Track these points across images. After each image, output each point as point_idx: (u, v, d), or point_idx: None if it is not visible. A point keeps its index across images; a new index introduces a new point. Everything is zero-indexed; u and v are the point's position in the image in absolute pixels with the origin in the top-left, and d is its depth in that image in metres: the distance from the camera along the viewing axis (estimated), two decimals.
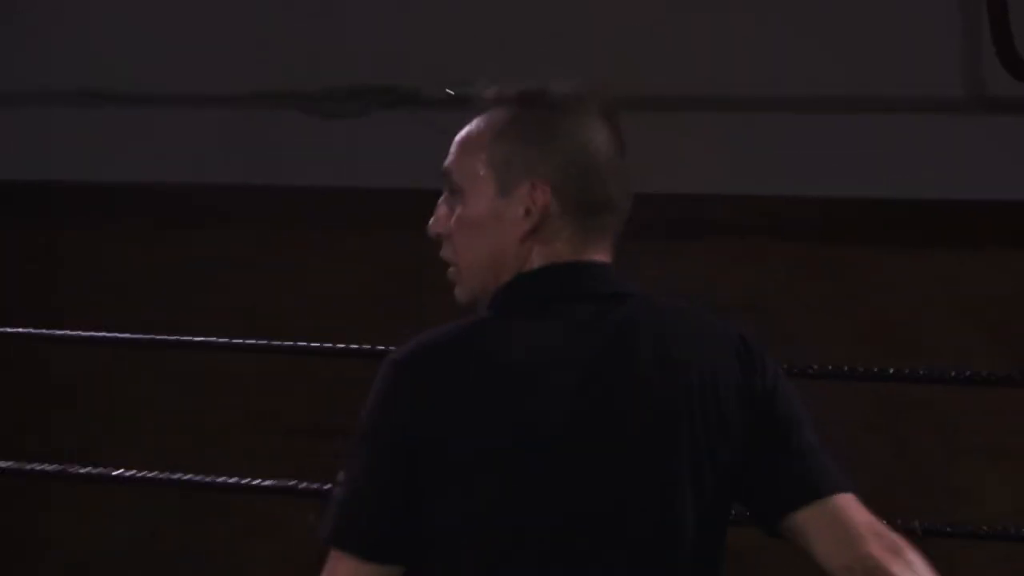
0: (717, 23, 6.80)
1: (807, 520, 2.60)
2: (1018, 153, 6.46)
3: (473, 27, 6.96)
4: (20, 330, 6.06)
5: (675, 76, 6.77)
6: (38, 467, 5.90)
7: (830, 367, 5.16)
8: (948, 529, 4.78)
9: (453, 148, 2.67)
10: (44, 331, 6.03)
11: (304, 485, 5.27)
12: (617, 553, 2.59)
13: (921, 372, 5.17)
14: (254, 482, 5.40)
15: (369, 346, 5.05)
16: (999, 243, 6.56)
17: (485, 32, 6.97)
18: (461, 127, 2.75)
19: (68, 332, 6.27)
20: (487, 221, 2.64)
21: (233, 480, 5.49)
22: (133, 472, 5.57)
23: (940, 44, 6.56)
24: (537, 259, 2.63)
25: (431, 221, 2.68)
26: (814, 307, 6.78)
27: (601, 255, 2.67)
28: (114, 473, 5.54)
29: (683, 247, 6.91)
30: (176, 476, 5.64)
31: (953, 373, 5.05)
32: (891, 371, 5.02)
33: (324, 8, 7.21)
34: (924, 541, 2.63)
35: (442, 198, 2.67)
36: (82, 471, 5.79)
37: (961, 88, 6.58)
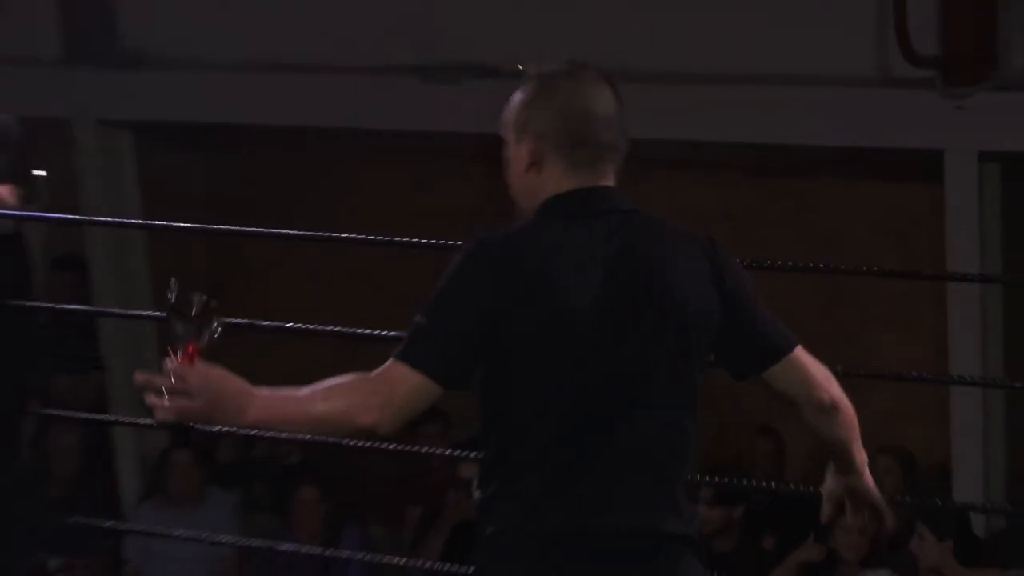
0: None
1: (775, 373, 3.34)
2: (912, 116, 8.00)
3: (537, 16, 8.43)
4: None
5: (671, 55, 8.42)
6: None
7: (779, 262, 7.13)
8: (861, 372, 6.62)
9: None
10: None
11: None
12: (639, 408, 3.22)
13: (843, 267, 7.17)
14: None
15: None
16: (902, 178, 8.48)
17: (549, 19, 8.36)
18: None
19: None
20: (512, 163, 3.36)
21: None
22: None
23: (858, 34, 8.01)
24: (553, 187, 3.28)
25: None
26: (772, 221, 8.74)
27: (605, 181, 3.29)
28: None
29: (684, 176, 8.98)
30: None
31: (866, 267, 6.92)
32: (821, 265, 6.80)
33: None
34: (842, 379, 3.47)
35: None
36: None
37: (871, 69, 8.03)
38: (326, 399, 3.12)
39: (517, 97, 3.31)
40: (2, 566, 7.17)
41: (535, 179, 3.26)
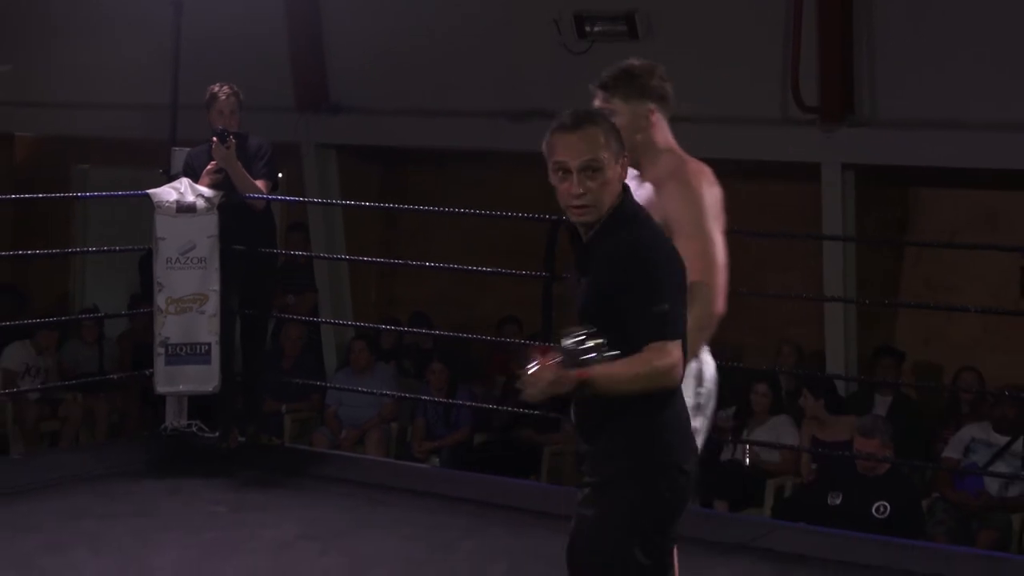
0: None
1: None
2: (801, 141, 8.88)
3: None
4: None
5: None
6: None
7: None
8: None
9: None
10: None
11: None
12: None
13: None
14: None
15: None
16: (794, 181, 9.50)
17: None
18: None
19: None
20: (608, 181, 3.31)
21: None
22: None
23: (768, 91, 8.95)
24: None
25: None
26: None
27: None
28: None
29: None
30: None
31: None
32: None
33: None
34: None
35: None
36: None
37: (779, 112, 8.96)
38: (645, 376, 3.16)
39: (606, 133, 3.31)
40: (254, 408, 7.53)
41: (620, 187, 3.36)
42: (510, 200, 9.23)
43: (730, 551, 5.94)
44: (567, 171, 3.27)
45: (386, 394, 9.30)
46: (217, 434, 7.29)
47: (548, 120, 8.80)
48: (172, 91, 7.68)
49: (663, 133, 4.03)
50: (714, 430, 8.03)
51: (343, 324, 10.33)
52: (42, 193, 11.37)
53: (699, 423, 3.90)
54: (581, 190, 3.26)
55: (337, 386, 9.46)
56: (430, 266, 9.00)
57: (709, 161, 8.94)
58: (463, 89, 9.90)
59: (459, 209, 8.85)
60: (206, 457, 7.07)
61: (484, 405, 9.26)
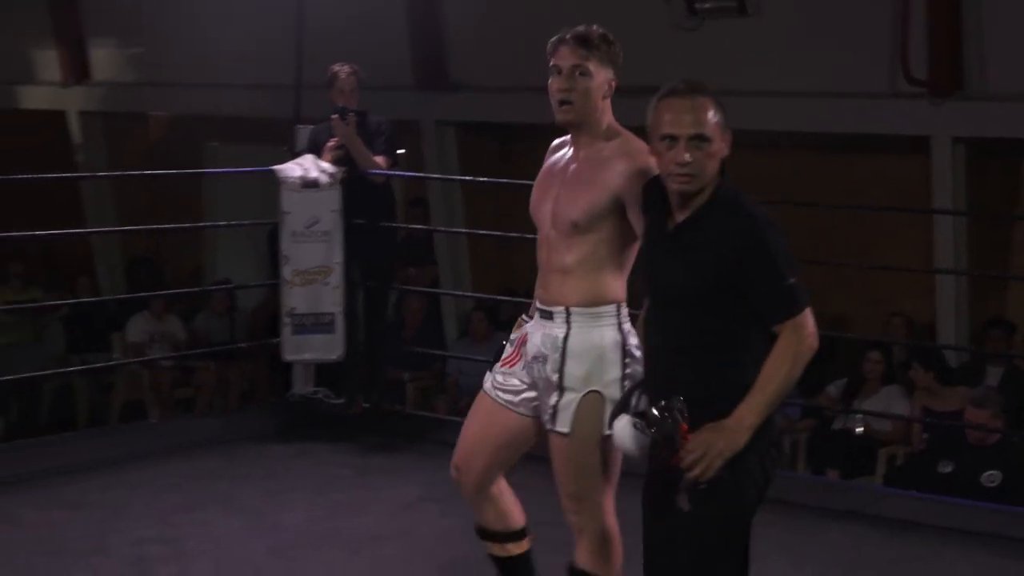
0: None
1: None
2: (911, 115, 8.79)
3: None
4: None
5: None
6: None
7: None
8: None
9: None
10: None
11: None
12: None
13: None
14: None
15: None
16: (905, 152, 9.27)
17: None
18: None
19: None
20: (713, 157, 3.24)
21: None
22: None
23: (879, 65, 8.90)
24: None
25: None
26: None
27: None
28: None
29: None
30: None
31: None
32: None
33: None
34: None
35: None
36: None
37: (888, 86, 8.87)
38: (789, 365, 3.14)
39: (715, 105, 3.25)
40: (376, 376, 7.46)
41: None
42: None
43: (842, 517, 5.95)
44: (674, 139, 3.21)
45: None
46: (342, 401, 7.36)
47: None
48: (296, 71, 7.80)
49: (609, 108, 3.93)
50: (826, 400, 8.42)
51: (462, 296, 10.42)
52: (175, 169, 11.58)
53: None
54: (688, 158, 3.20)
55: (457, 355, 9.50)
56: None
57: (819, 136, 9.33)
58: None
59: None
60: (332, 423, 7.17)
61: None
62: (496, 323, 9.95)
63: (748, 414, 3.14)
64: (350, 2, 9.85)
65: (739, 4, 9.26)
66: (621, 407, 3.45)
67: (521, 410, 3.89)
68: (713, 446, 3.11)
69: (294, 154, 7.39)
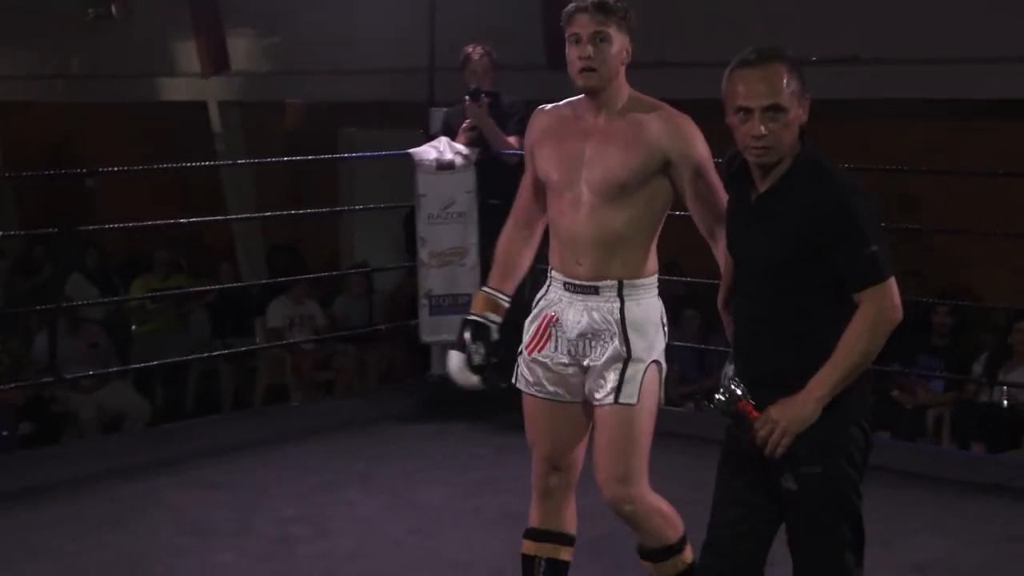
0: None
1: None
2: None
3: None
4: None
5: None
6: None
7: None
8: None
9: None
10: None
11: None
12: None
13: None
14: None
15: None
16: None
17: None
18: None
19: None
20: (792, 123, 3.17)
21: None
22: None
23: None
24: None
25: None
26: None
27: None
28: None
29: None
30: None
31: None
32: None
33: None
34: None
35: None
36: None
37: None
38: (868, 337, 3.09)
39: (790, 71, 3.15)
40: (514, 356, 7.94)
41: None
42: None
43: (986, 490, 5.85)
44: (749, 111, 3.15)
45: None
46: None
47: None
48: (429, 54, 7.82)
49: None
50: (970, 374, 8.25)
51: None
52: (312, 155, 11.72)
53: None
54: (764, 130, 3.13)
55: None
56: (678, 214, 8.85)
57: (966, 102, 9.21)
58: (713, 39, 9.01)
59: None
60: (470, 403, 7.04)
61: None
62: None
63: (818, 386, 3.10)
64: None
65: None
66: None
67: (573, 397, 3.81)
68: (780, 422, 3.10)
69: (428, 137, 7.41)
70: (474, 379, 3.89)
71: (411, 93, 9.06)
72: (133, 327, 11.28)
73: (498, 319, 3.92)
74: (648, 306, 3.75)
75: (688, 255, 10.26)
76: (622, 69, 3.74)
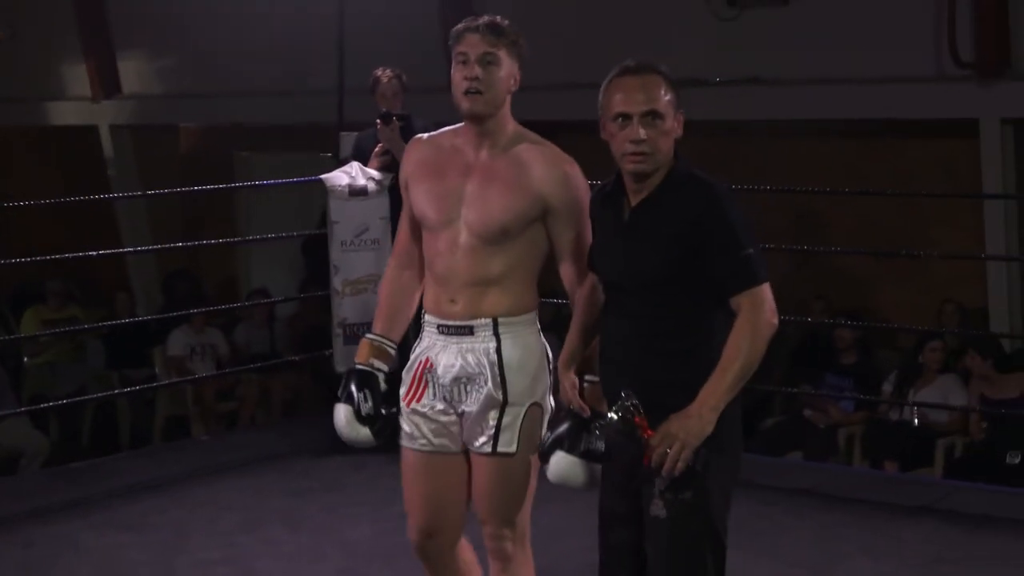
0: None
1: None
2: (960, 97, 8.73)
3: None
4: None
5: None
6: None
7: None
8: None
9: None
10: None
11: None
12: None
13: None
14: None
15: None
16: (953, 136, 9.20)
17: None
18: None
19: None
20: (673, 131, 3.20)
21: None
22: None
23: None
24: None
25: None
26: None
27: None
28: None
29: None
30: None
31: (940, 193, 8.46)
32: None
33: None
34: None
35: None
36: None
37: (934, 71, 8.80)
38: (749, 342, 3.06)
39: (667, 84, 3.19)
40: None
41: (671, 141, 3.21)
42: None
43: (914, 512, 5.86)
44: (628, 117, 3.16)
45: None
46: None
47: (699, 89, 8.67)
48: (339, 76, 7.67)
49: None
50: (880, 393, 8.26)
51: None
52: (207, 180, 11.38)
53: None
54: (643, 134, 3.14)
55: None
56: None
57: (865, 122, 9.21)
58: (613, 60, 9.64)
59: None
60: (388, 434, 7.03)
61: None
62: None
63: (710, 397, 3.05)
64: (387, 6, 9.75)
65: None
66: (556, 443, 3.31)
67: (455, 447, 3.63)
68: (677, 437, 3.03)
69: (340, 161, 7.26)
70: (364, 432, 3.63)
71: (312, 116, 9.01)
72: (25, 359, 10.93)
73: (385, 367, 3.71)
74: (528, 344, 3.57)
75: None
76: (508, 98, 3.58)
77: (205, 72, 11.93)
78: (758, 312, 3.09)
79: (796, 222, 9.53)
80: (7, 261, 8.60)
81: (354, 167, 7.05)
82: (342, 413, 3.64)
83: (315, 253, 7.59)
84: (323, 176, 7.06)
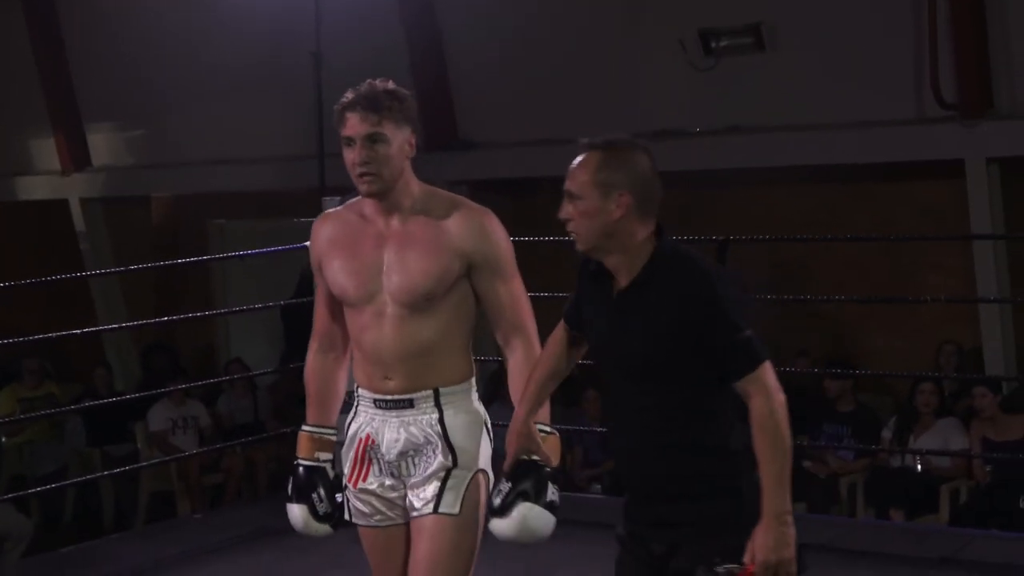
0: None
1: None
2: (944, 138, 8.59)
3: None
4: None
5: None
6: None
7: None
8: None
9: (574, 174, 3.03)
10: None
11: None
12: None
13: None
14: None
15: None
16: (939, 177, 9.09)
17: None
18: None
19: None
20: (598, 214, 3.00)
21: None
22: None
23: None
24: (640, 232, 3.00)
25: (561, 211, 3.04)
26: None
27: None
28: None
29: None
30: None
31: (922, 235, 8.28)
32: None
33: None
34: None
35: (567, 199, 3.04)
36: None
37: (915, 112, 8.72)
38: (773, 433, 2.91)
39: (594, 161, 3.03)
40: None
41: (617, 226, 3.01)
42: None
43: (936, 564, 5.67)
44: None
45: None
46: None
47: (679, 139, 8.70)
48: (318, 141, 7.54)
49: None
50: (878, 441, 8.08)
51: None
52: (181, 250, 11.26)
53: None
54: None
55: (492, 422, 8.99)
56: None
57: (848, 167, 9.07)
58: (590, 115, 9.54)
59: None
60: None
61: None
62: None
63: (774, 505, 2.90)
64: (358, 66, 9.51)
65: (756, 40, 9.07)
66: (522, 495, 3.27)
67: (404, 519, 3.50)
68: (771, 559, 2.88)
69: None
70: (324, 528, 3.54)
71: (289, 181, 8.90)
72: (3, 439, 10.58)
73: (329, 456, 3.56)
74: (469, 412, 3.43)
75: None
76: (407, 164, 3.42)
77: (175, 141, 11.75)
78: (770, 397, 2.94)
79: (780, 269, 9.40)
80: None
81: None
82: (298, 514, 3.54)
83: (295, 319, 7.45)
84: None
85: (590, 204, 3.00)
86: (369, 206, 3.45)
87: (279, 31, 9.93)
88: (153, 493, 10.05)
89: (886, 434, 8.29)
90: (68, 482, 9.22)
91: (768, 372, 2.97)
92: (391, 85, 3.41)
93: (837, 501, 8.20)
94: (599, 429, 8.50)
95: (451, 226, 3.38)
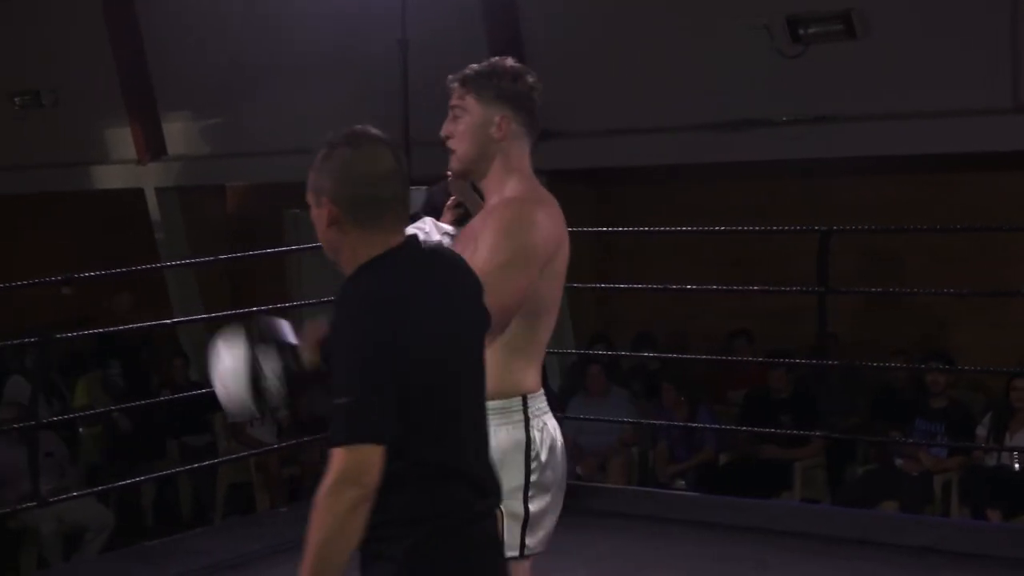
0: None
1: None
2: None
3: None
4: None
5: None
6: None
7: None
8: None
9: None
10: None
11: None
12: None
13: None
14: None
15: None
16: None
17: None
18: None
19: None
20: (317, 224, 2.69)
21: None
22: None
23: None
24: (365, 249, 2.61)
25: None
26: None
27: (395, 235, 2.60)
28: None
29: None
30: None
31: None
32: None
33: None
34: None
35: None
36: None
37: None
38: (319, 525, 2.48)
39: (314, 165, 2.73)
40: None
41: (334, 237, 2.68)
42: (730, 212, 9.01)
43: None
44: None
45: (623, 420, 8.87)
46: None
47: (764, 128, 8.65)
48: (403, 130, 7.37)
49: (519, 151, 3.25)
50: (972, 438, 7.88)
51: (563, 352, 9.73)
52: (256, 240, 11.17)
53: (544, 503, 3.10)
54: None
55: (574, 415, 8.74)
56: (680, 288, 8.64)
57: (942, 157, 8.77)
58: (673, 103, 9.42)
59: (719, 228, 7.96)
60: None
61: (725, 426, 8.69)
62: (614, 375, 9.40)
63: None
64: (448, 58, 9.43)
65: (846, 27, 8.83)
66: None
67: None
68: None
69: (412, 217, 6.90)
70: (249, 404, 2.92)
71: None
72: (80, 429, 10.54)
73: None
74: (501, 434, 3.01)
75: (657, 327, 10.31)
76: (502, 155, 3.19)
77: (251, 130, 11.67)
78: (337, 479, 2.40)
79: (871, 260, 9.19)
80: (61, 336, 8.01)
81: (428, 222, 6.48)
82: (233, 367, 2.97)
83: None
84: None
85: (312, 211, 2.75)
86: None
87: (360, 17, 9.82)
88: (231, 485, 9.99)
89: (981, 431, 8.03)
90: (150, 476, 9.11)
91: (351, 457, 2.39)
92: (506, 62, 3.23)
93: (931, 500, 7.97)
94: (682, 424, 8.52)
95: (479, 224, 3.18)
